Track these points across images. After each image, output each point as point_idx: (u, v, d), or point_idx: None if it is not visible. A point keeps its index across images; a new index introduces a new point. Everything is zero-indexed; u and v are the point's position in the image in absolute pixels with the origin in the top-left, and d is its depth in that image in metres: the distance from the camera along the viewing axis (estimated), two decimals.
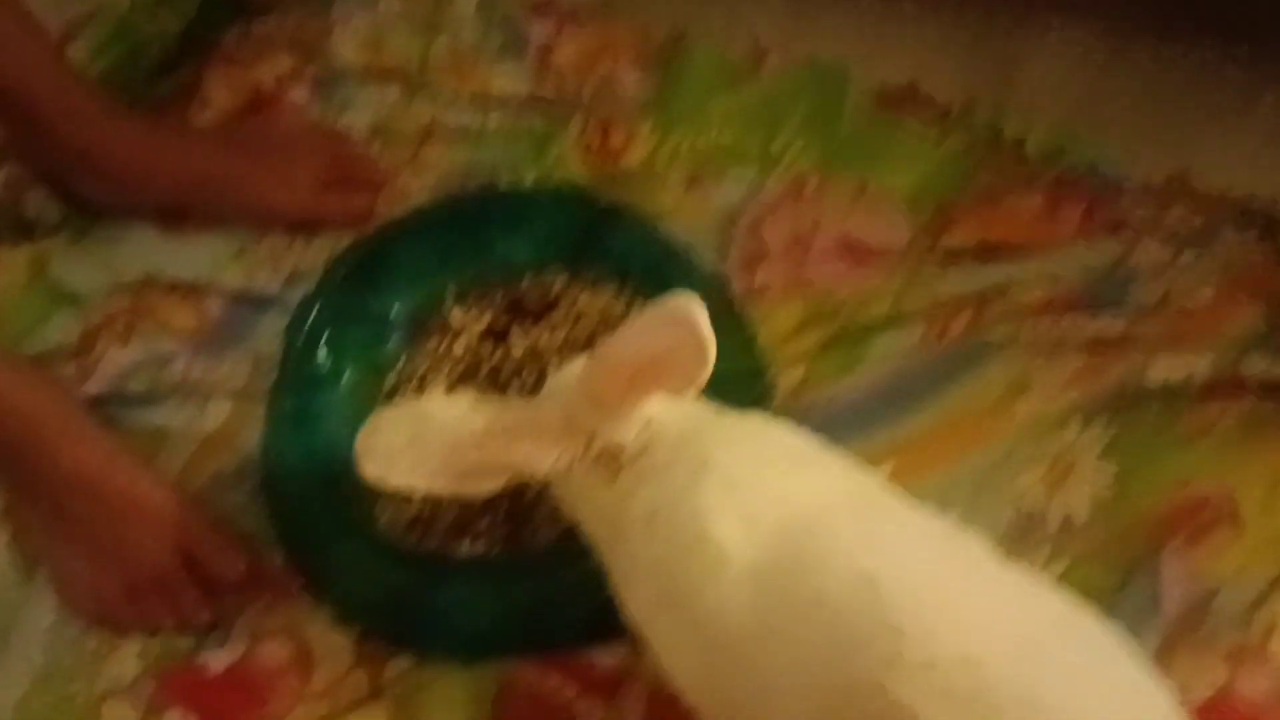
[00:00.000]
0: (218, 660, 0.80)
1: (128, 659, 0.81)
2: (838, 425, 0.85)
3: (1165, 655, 0.77)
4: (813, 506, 0.62)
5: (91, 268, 0.96)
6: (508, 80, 1.03)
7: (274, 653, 0.79)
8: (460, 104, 1.03)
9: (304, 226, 0.97)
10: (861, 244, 0.94)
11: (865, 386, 0.87)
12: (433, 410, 0.70)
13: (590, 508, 0.69)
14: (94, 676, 0.81)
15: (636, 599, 0.66)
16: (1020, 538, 0.82)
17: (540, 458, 0.67)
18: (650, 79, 1.03)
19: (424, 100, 1.03)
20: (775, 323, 0.91)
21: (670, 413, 0.67)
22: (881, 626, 0.56)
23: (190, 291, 0.95)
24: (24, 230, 0.97)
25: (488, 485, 0.70)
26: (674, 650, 0.65)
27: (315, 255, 0.97)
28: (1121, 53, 1.02)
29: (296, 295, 0.94)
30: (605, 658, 0.78)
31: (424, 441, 0.68)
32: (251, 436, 0.89)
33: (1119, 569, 0.80)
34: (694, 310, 0.62)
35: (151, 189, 0.96)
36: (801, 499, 0.62)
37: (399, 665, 0.79)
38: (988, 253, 0.93)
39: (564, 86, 1.03)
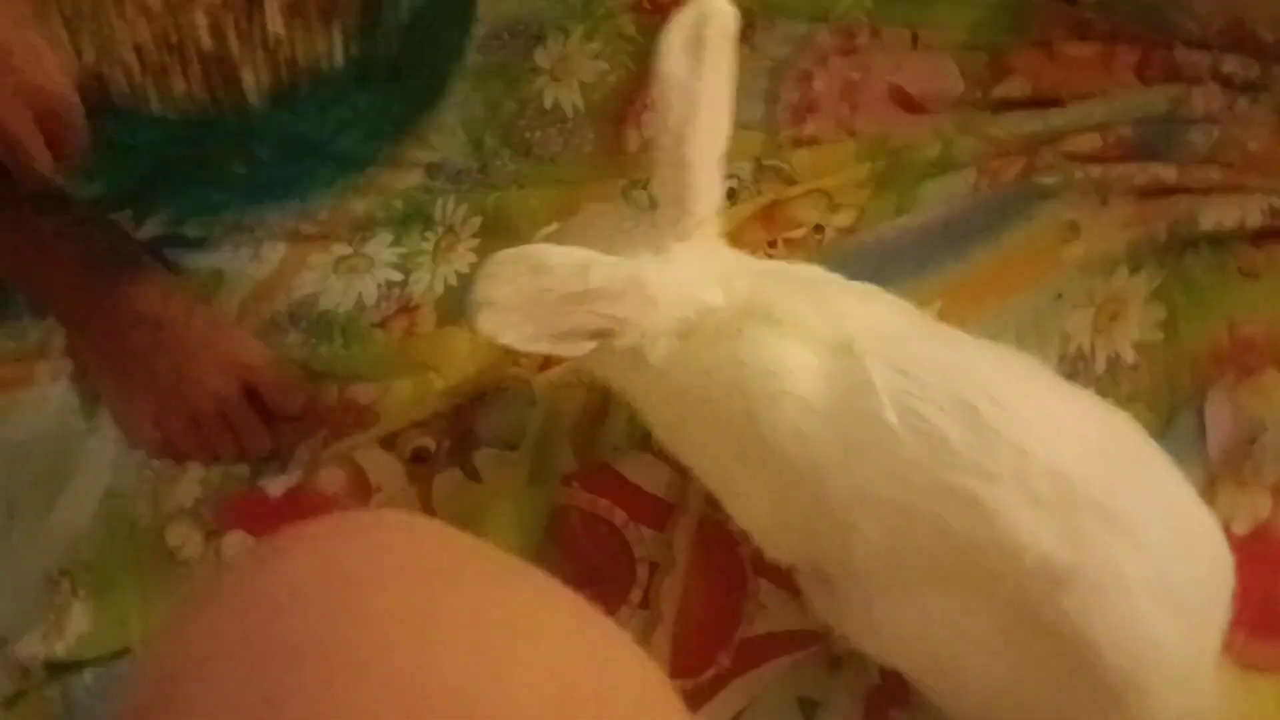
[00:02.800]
0: (277, 486, 0.82)
1: (190, 484, 0.84)
2: (888, 265, 0.86)
3: (1208, 491, 0.78)
4: (885, 332, 0.64)
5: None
6: None
7: (331, 478, 0.82)
8: None
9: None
10: (913, 93, 0.94)
11: (916, 228, 0.88)
12: (553, 261, 0.63)
13: (655, 371, 0.68)
14: (157, 500, 0.84)
15: (709, 454, 0.68)
16: (1067, 378, 0.82)
17: (646, 322, 0.66)
18: None
19: None
20: (825, 167, 0.92)
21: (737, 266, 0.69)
22: (976, 441, 0.58)
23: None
24: None
25: (581, 348, 0.66)
26: (752, 495, 0.67)
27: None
28: None
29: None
30: (654, 484, 0.81)
31: (540, 296, 0.62)
32: (304, 277, 0.91)
33: (1164, 409, 0.81)
34: None
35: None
36: (873, 327, 0.64)
37: (450, 480, 0.82)
38: (1040, 101, 0.93)
39: None
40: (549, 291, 0.62)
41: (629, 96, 0.98)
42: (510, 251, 0.62)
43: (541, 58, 1.00)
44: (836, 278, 0.70)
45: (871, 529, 0.60)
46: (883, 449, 0.59)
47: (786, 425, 0.62)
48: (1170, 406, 0.81)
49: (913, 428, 0.58)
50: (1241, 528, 0.77)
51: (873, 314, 0.67)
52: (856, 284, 0.70)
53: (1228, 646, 0.62)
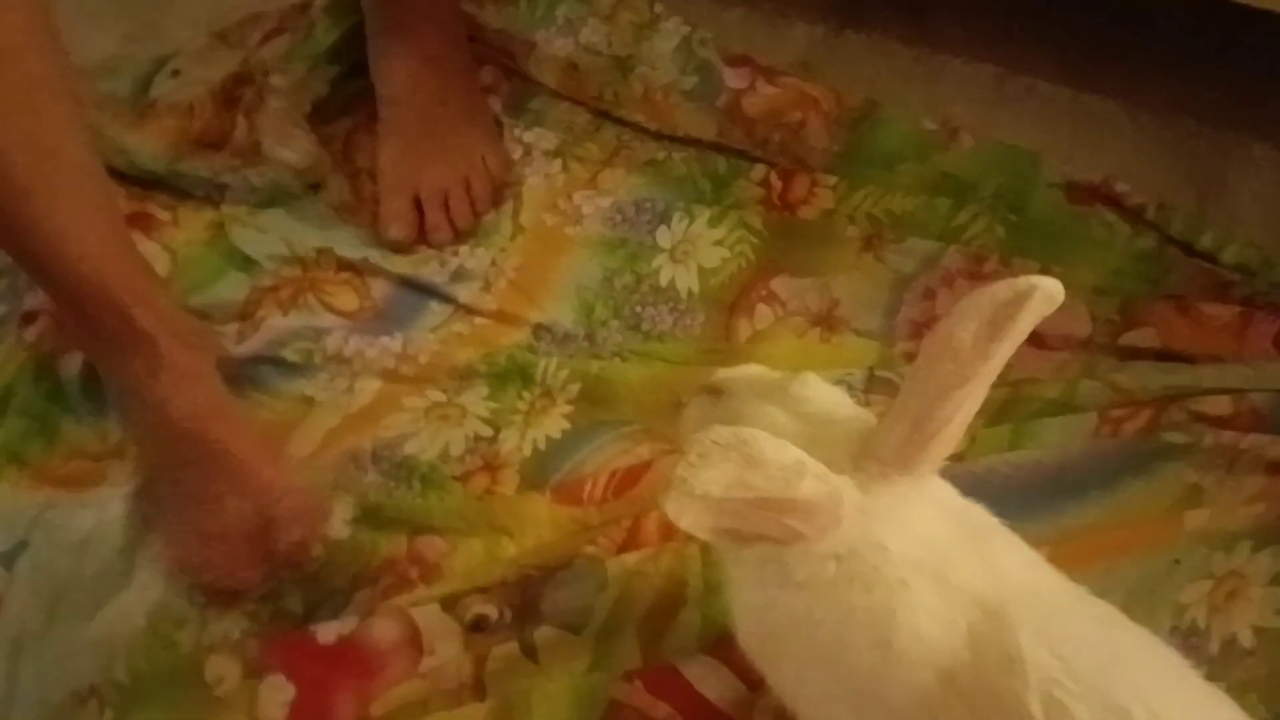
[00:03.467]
0: (328, 631, 0.79)
1: (238, 616, 0.81)
2: (996, 501, 0.81)
3: None
4: (1043, 602, 0.60)
5: (269, 237, 0.99)
6: (696, 121, 1.04)
7: (385, 631, 0.78)
8: (646, 137, 1.05)
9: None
10: (1040, 329, 0.91)
11: (1030, 467, 0.84)
12: (768, 456, 0.55)
13: (792, 588, 0.62)
14: (204, 626, 0.81)
15: (816, 691, 0.63)
16: (1179, 651, 0.77)
17: (822, 542, 0.59)
18: (839, 138, 1.03)
19: (611, 128, 1.05)
20: None
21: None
22: None
23: (358, 272, 0.98)
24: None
25: (743, 546, 0.60)
26: None
27: (481, 257, 0.99)
28: None
29: (460, 290, 0.96)
30: (720, 694, 0.75)
31: (741, 492, 0.55)
32: (394, 418, 0.90)
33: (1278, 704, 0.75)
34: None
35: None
36: (1032, 593, 0.60)
37: (506, 654, 0.78)
38: (1171, 356, 0.90)
39: (752, 133, 1.04)
40: (752, 490, 0.56)
41: (746, 287, 0.97)
42: (725, 431, 0.56)
43: (664, 237, 0.99)
44: (1006, 531, 0.66)
45: None
46: None
47: (919, 695, 0.57)
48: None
49: None
50: None
51: (1034, 578, 0.62)
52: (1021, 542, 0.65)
53: None
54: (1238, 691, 0.75)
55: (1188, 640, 0.78)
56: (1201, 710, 0.58)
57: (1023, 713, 0.54)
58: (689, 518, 0.56)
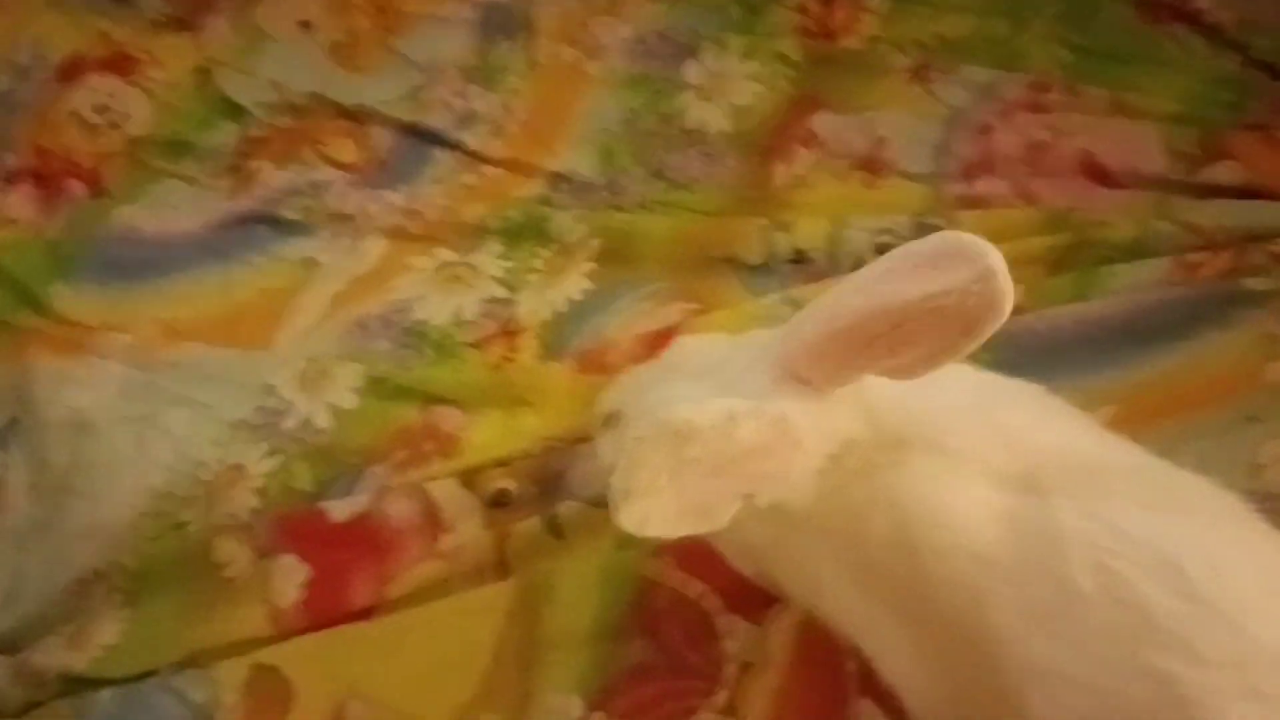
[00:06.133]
0: (341, 509, 0.77)
1: (246, 493, 0.79)
2: (1059, 358, 0.78)
3: None
4: (1076, 463, 0.56)
5: (257, 81, 0.93)
6: None
7: (401, 509, 0.76)
8: None
9: None
10: (1108, 164, 0.86)
11: (1097, 318, 0.80)
12: (697, 422, 0.53)
13: (798, 520, 0.59)
14: (210, 507, 0.79)
15: (856, 603, 0.60)
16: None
17: (795, 465, 0.56)
18: None
19: None
20: (996, 234, 0.83)
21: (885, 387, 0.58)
22: (1185, 613, 0.50)
23: (357, 120, 0.92)
24: None
25: (724, 516, 0.56)
26: (903, 650, 0.59)
27: (491, 100, 0.93)
28: None
29: (469, 136, 0.91)
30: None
31: (687, 469, 0.53)
32: (403, 279, 0.86)
33: None
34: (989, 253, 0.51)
35: None
36: (1062, 456, 0.56)
37: (529, 532, 0.76)
38: (1253, 192, 0.84)
39: None
40: (697, 462, 0.53)
41: (782, 126, 0.91)
42: (645, 428, 0.54)
43: (691, 71, 0.93)
44: (1013, 387, 0.61)
45: (1048, 709, 0.52)
46: (1070, 618, 0.52)
47: (959, 583, 0.54)
48: None
49: (1107, 592, 0.51)
50: None
51: (1060, 438, 0.59)
52: (1035, 394, 0.61)
53: None
54: None
55: (1264, 503, 0.74)
56: (1264, 555, 0.55)
57: (1068, 588, 0.52)
58: (653, 522, 0.54)
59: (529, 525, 0.75)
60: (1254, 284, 0.80)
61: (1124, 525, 0.53)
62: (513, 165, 0.91)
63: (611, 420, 0.65)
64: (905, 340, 0.53)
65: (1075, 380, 0.77)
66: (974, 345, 0.51)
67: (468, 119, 0.92)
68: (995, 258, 0.51)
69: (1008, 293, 0.51)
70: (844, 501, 0.57)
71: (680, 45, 0.94)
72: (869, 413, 0.58)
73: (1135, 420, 0.77)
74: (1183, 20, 0.91)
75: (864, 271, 0.54)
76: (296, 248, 0.87)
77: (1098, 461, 0.59)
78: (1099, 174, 0.86)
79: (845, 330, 0.54)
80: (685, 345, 0.66)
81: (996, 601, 0.53)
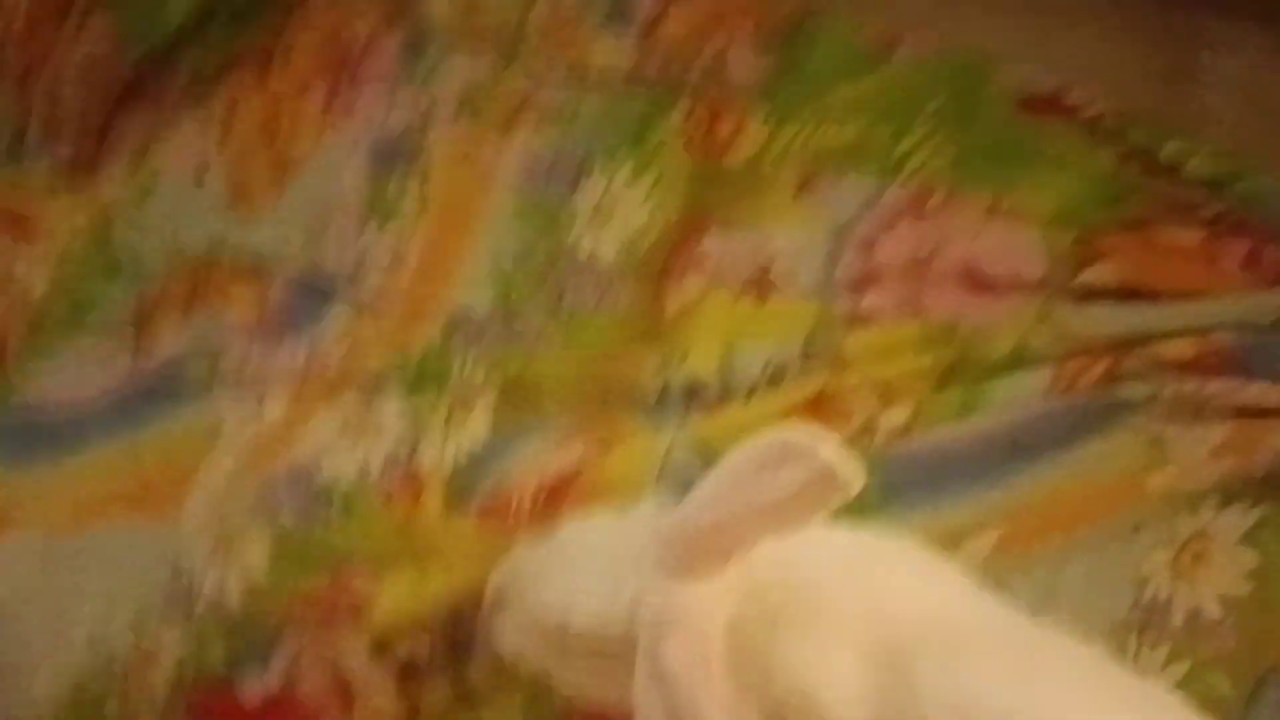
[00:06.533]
0: (254, 690, 0.79)
1: (160, 680, 0.81)
2: (945, 476, 0.81)
3: None
4: (946, 632, 0.58)
5: (155, 236, 0.95)
6: (609, 53, 0.98)
7: (313, 685, 0.79)
8: (556, 78, 0.99)
9: None
10: (989, 271, 0.88)
11: (980, 436, 0.82)
12: (574, 624, 0.59)
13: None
14: (124, 698, 0.81)
15: None
16: (1139, 629, 0.77)
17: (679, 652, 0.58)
18: (767, 61, 0.97)
19: (517, 72, 0.99)
20: (883, 352, 0.86)
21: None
22: None
23: (254, 271, 0.94)
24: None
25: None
26: None
27: (386, 240, 0.94)
28: None
29: (365, 281, 0.93)
30: None
31: (571, 658, 0.61)
32: (307, 436, 0.88)
33: (1249, 680, 0.74)
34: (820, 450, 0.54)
35: None
36: (931, 623, 0.59)
37: (439, 695, 0.78)
38: (1131, 293, 0.86)
39: (670, 64, 0.97)
40: (577, 654, 0.59)
41: (674, 248, 0.93)
42: (525, 622, 0.59)
43: (582, 197, 0.95)
44: (888, 551, 0.64)
45: None
46: None
47: None
48: (1256, 677, 0.74)
49: None
50: None
51: (930, 603, 0.61)
52: (907, 556, 0.64)
53: None
54: (1203, 668, 0.75)
55: (1149, 616, 0.77)
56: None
57: None
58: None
59: (439, 692, 0.78)
60: (1132, 390, 0.82)
61: (985, 699, 0.55)
62: (410, 308, 0.92)
63: (499, 605, 0.68)
64: (769, 528, 0.57)
65: (961, 500, 0.80)
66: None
67: (364, 261, 0.94)
68: (828, 452, 0.54)
69: (851, 479, 0.54)
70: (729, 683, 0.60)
71: (571, 170, 0.96)
72: (752, 591, 0.61)
73: (1021, 539, 0.79)
74: (1061, 114, 0.93)
75: (712, 480, 0.57)
76: (199, 411, 0.89)
77: (966, 626, 0.61)
78: (981, 282, 0.88)
79: (710, 530, 0.57)
80: (570, 531, 0.68)
81: None
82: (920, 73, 0.95)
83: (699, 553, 0.58)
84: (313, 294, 0.93)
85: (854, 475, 0.55)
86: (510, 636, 0.67)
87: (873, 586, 0.61)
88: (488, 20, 1.00)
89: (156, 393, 0.90)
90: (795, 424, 0.60)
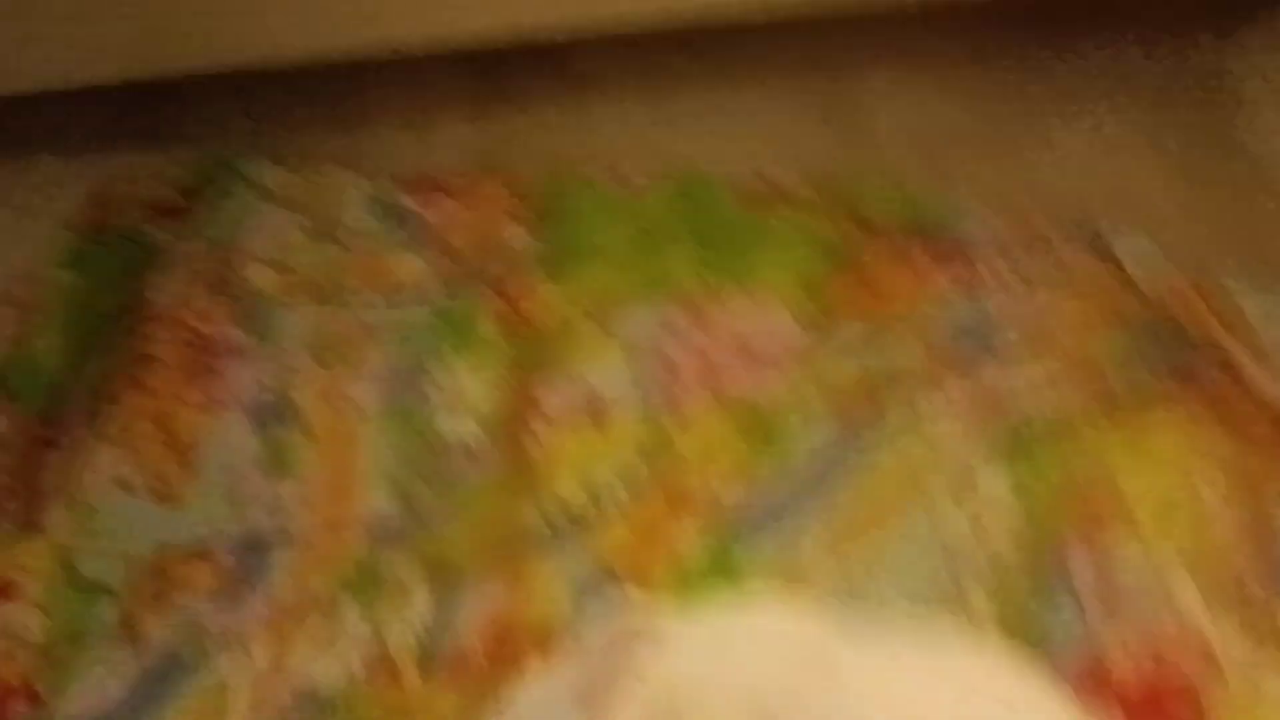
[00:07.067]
0: None
1: None
2: (780, 520, 1.04)
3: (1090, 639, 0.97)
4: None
5: (110, 554, 1.13)
6: (411, 268, 1.19)
7: None
8: (378, 303, 1.19)
9: None
10: (760, 349, 1.12)
11: (793, 480, 1.07)
12: None
13: None
14: None
15: None
16: (954, 579, 1.01)
17: None
18: (537, 232, 1.18)
19: (341, 307, 1.19)
20: (708, 450, 1.09)
21: None
22: None
23: (199, 552, 1.13)
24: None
25: None
26: None
27: (289, 482, 1.14)
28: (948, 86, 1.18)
29: (287, 525, 1.13)
30: None
31: None
32: (295, 662, 1.08)
33: (1040, 576, 1.00)
34: None
35: None
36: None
37: None
38: (871, 331, 1.10)
39: (461, 260, 1.18)
40: None
41: (518, 408, 1.15)
42: None
43: (433, 393, 1.16)
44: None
45: None
46: None
47: None
48: (1043, 573, 1.00)
49: None
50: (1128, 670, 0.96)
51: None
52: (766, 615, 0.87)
53: None
54: (1009, 586, 0.99)
55: (957, 564, 1.01)
56: None
57: None
58: None
59: None
60: (894, 415, 1.07)
61: None
62: (333, 531, 1.13)
63: None
64: None
65: (798, 532, 1.04)
66: None
67: (282, 506, 1.14)
68: None
69: None
70: None
71: (417, 373, 1.17)
72: None
73: (847, 542, 1.04)
74: (776, 200, 1.16)
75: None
76: (203, 678, 1.08)
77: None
78: (759, 359, 1.12)
79: None
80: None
81: None
82: (657, 199, 1.18)
83: None
84: (253, 550, 1.13)
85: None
86: None
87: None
88: (304, 277, 1.20)
89: (165, 679, 1.08)
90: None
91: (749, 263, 1.15)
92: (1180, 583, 0.97)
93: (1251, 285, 1.11)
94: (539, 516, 1.10)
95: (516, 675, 1.03)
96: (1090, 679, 0.95)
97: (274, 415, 1.19)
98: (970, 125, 1.18)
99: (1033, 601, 0.99)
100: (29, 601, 1.13)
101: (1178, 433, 1.02)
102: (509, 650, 1.05)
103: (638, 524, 1.07)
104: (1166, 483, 1.00)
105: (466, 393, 1.16)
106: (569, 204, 1.20)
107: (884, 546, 1.03)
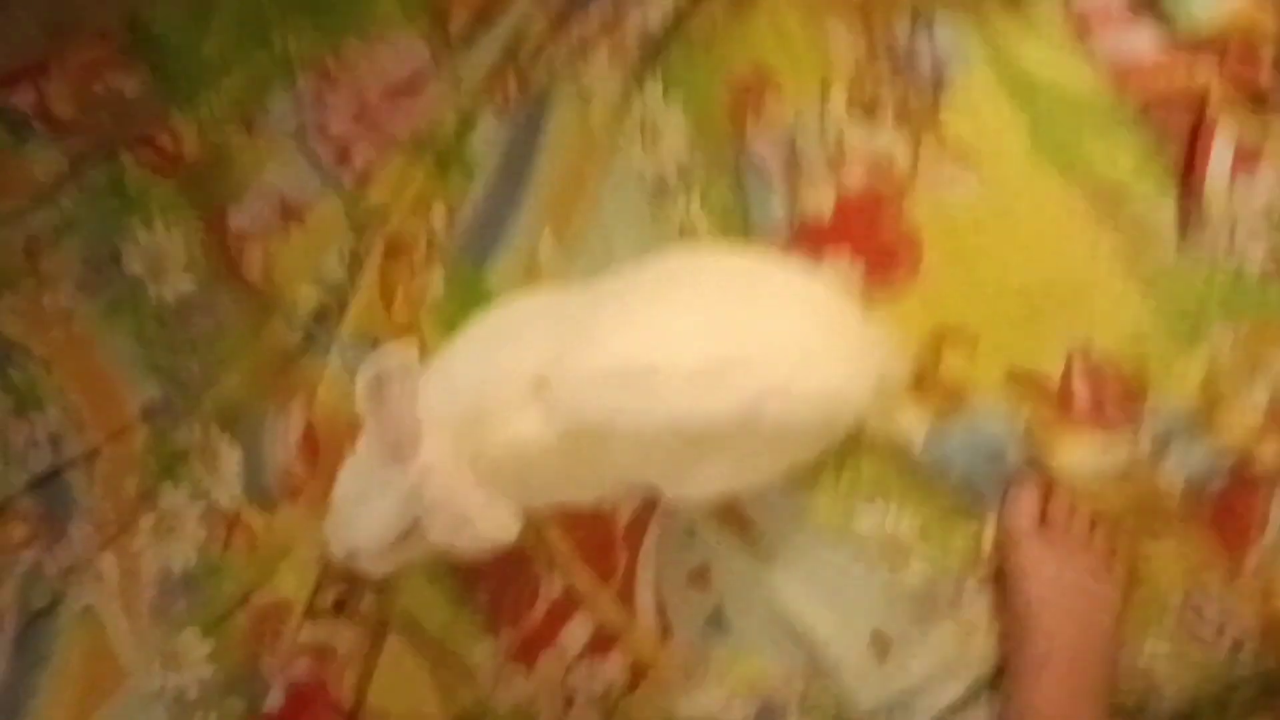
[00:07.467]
0: None
1: None
2: (492, 232, 1.12)
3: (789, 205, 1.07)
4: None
5: None
6: (46, 164, 1.18)
7: None
8: (32, 209, 1.18)
9: None
10: (401, 80, 1.15)
11: (491, 190, 1.12)
12: None
13: None
14: None
15: None
16: (660, 202, 1.09)
17: None
18: (139, 72, 1.16)
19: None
20: (396, 188, 1.14)
21: None
22: None
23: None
24: None
25: None
26: None
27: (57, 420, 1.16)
28: None
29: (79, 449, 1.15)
30: None
31: None
32: (150, 563, 1.13)
33: (729, 162, 1.08)
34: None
35: None
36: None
37: None
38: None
39: (84, 131, 1.16)
40: None
41: (218, 248, 1.17)
42: None
43: (131, 266, 1.17)
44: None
45: None
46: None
47: None
48: (731, 161, 1.08)
49: None
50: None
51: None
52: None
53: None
54: (710, 184, 1.09)
55: (661, 187, 1.08)
56: None
57: None
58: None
59: None
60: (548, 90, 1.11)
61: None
62: (114, 435, 1.16)
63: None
64: None
65: (518, 228, 1.10)
66: None
67: (55, 440, 1.17)
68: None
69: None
70: None
71: (105, 260, 1.17)
72: None
73: (566, 220, 1.11)
74: None
75: None
76: (69, 619, 1.13)
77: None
78: (404, 91, 1.14)
79: None
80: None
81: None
82: None
83: None
84: (50, 487, 1.15)
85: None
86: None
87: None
88: None
89: (35, 633, 1.13)
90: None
91: (359, 14, 1.14)
92: (836, 109, 1.05)
93: None
94: (289, 329, 1.14)
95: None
96: (803, 237, 1.06)
97: (1, 360, 1.18)
98: None
99: (732, 195, 1.07)
100: None
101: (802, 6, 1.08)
102: (324, 452, 1.12)
103: (376, 290, 1.12)
104: (801, 42, 1.08)
105: (165, 253, 1.16)
106: (160, 33, 1.16)
107: (598, 211, 1.09)
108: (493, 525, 0.83)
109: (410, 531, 0.86)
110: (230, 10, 1.15)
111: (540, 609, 1.09)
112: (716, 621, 1.07)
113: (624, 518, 1.08)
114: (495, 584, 1.09)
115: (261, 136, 1.15)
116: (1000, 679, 1.02)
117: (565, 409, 0.86)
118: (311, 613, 1.10)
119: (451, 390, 0.89)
